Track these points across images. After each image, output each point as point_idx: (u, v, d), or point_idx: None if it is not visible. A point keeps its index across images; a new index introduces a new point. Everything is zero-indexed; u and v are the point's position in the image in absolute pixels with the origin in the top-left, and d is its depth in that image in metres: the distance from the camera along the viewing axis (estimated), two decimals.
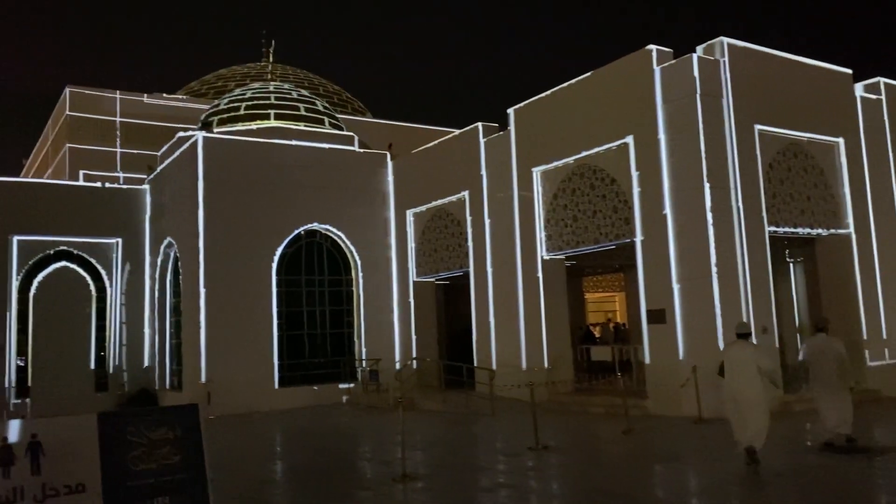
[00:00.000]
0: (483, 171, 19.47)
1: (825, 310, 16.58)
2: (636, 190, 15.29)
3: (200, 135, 20.23)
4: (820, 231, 16.33)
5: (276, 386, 20.08)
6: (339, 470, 11.03)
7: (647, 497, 8.44)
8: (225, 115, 22.68)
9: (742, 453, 9.40)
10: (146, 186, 23.84)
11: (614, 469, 10.33)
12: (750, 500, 8.07)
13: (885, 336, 16.52)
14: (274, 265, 20.54)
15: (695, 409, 13.30)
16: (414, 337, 21.85)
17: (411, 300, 21.98)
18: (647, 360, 15.14)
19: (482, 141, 19.57)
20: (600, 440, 12.68)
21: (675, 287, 14.49)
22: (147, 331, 23.23)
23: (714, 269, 13.91)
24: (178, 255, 21.36)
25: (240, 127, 21.95)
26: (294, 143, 21.38)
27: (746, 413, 9.45)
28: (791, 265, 22.67)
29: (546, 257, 17.76)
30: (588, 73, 16.60)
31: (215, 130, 21.80)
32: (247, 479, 10.59)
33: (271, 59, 28.55)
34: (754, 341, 11.19)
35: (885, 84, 17.78)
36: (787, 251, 21.89)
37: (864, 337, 16.04)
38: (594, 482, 9.42)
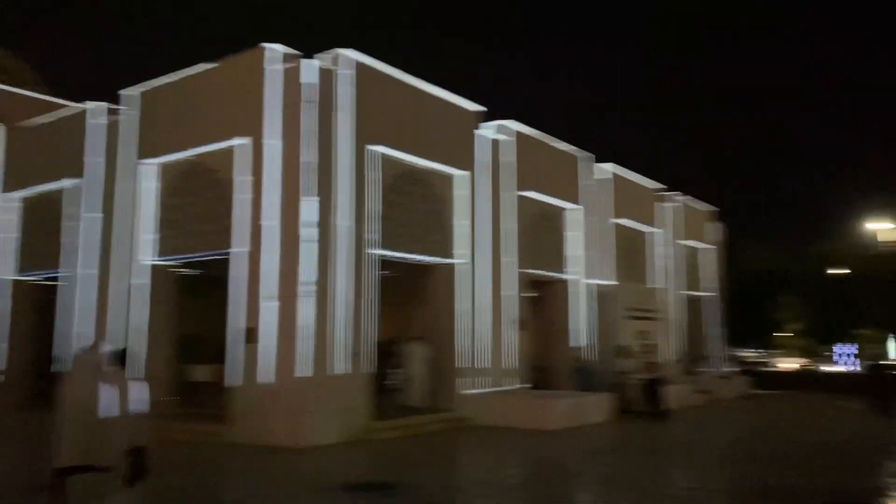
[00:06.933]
0: (97, 158, 17.00)
1: (432, 333, 16.76)
2: (238, 197, 14.07)
3: None
4: (434, 259, 16.47)
5: None
6: None
7: None
8: None
9: None
10: None
11: None
12: None
13: (478, 365, 16.96)
14: None
15: (281, 438, 12.38)
16: (5, 345, 18.47)
17: (10, 301, 18.64)
18: (237, 382, 13.85)
19: (91, 123, 17.08)
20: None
21: (266, 305, 13.47)
22: None
23: (301, 289, 13.10)
24: None
25: None
26: None
27: None
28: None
29: (152, 263, 15.83)
30: (207, 65, 15.12)
31: None
32: None
33: None
34: None
35: (503, 127, 18.39)
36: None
37: (457, 364, 16.36)
38: None
